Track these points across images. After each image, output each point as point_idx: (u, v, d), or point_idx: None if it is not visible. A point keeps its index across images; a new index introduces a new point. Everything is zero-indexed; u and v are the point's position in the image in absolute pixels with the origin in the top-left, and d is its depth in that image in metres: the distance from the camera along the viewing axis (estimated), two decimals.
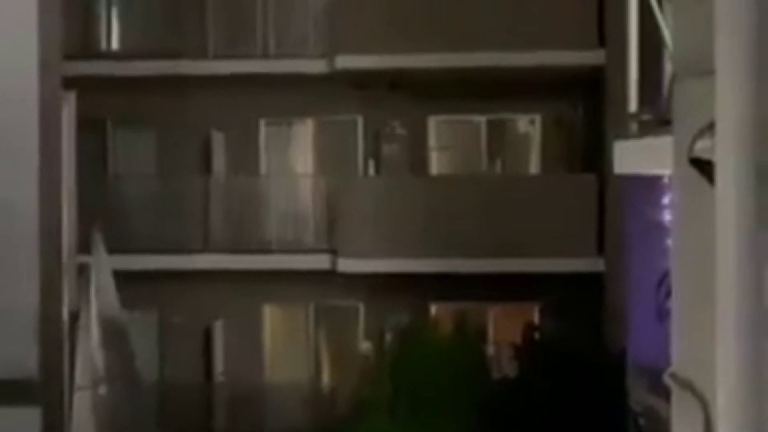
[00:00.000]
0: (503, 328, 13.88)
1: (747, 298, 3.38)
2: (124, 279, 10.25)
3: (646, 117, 7.00)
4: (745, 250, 3.34)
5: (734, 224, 3.34)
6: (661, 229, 10.30)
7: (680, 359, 4.38)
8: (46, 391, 5.31)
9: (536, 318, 14.08)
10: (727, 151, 3.44)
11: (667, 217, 10.19)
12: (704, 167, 3.73)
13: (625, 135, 7.65)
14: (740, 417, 3.37)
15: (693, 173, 4.03)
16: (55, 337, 5.63)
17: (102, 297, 4.54)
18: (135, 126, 14.77)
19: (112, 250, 10.77)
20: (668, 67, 7.58)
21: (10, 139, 6.54)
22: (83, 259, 8.57)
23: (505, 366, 13.49)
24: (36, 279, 6.02)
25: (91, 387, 3.64)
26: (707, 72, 3.77)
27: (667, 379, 4.49)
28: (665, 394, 7.81)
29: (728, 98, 3.39)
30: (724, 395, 3.41)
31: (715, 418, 3.68)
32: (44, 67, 6.60)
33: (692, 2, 4.01)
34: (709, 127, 3.71)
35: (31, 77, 6.48)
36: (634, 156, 6.91)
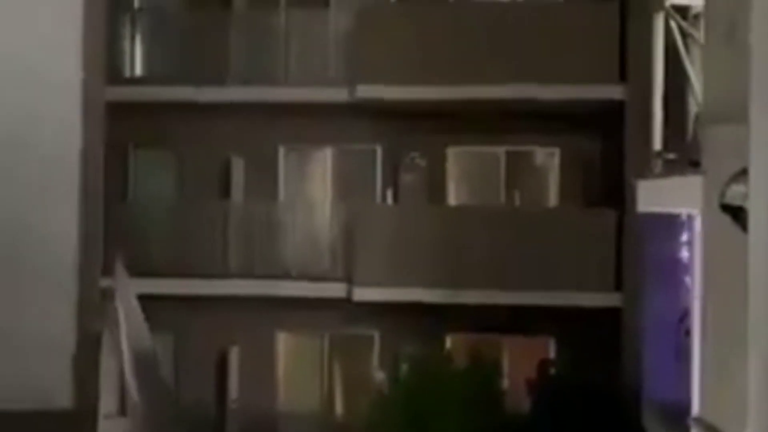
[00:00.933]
0: (519, 361, 13.82)
1: None
2: (140, 302, 10.29)
3: (670, 156, 7.01)
4: None
5: (766, 269, 3.35)
6: (678, 265, 10.27)
7: (705, 404, 4.38)
8: (80, 421, 5.30)
9: (552, 352, 14.02)
10: (760, 199, 3.44)
11: (684, 253, 10.17)
12: (736, 213, 3.75)
13: (647, 172, 7.66)
14: None
15: (723, 218, 4.03)
16: (91, 366, 5.64)
17: (130, 323, 4.55)
18: (156, 151, 14.85)
19: (130, 274, 10.82)
20: (691, 107, 7.60)
21: (52, 162, 6.58)
22: (104, 281, 8.59)
23: (519, 400, 13.42)
24: (72, 306, 6.03)
25: (120, 415, 3.64)
26: (739, 117, 3.79)
27: (692, 424, 4.48)
28: (682, 430, 7.75)
29: (762, 146, 3.40)
30: None
31: None
32: (89, 92, 6.65)
33: (724, 49, 4.02)
34: (741, 174, 3.72)
35: (75, 114, 6.54)
36: (657, 195, 6.92)
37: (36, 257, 6.22)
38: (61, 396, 5.52)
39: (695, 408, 4.72)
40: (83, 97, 6.38)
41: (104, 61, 6.51)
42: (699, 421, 4.26)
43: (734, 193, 3.76)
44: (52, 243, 6.21)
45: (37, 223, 6.26)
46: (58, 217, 6.21)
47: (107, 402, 4.16)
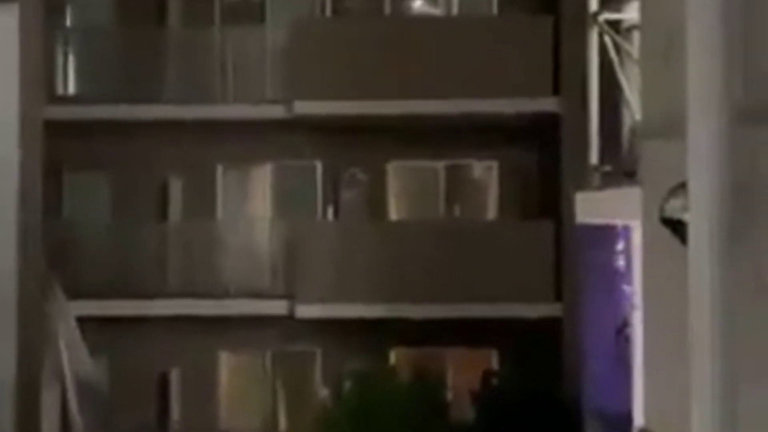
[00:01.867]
0: (462, 373, 13.88)
1: (721, 358, 3.43)
2: (78, 325, 10.10)
3: (607, 169, 7.11)
4: (719, 310, 3.40)
5: (708, 283, 3.41)
6: (616, 274, 10.42)
7: (650, 415, 4.44)
8: None
9: (495, 363, 14.11)
10: (698, 212, 3.51)
11: (621, 263, 10.33)
12: (675, 226, 3.81)
13: (584, 185, 7.77)
14: None
15: (662, 231, 4.10)
16: (31, 396, 5.50)
17: (71, 350, 4.43)
18: (91, 171, 14.63)
19: (66, 296, 10.63)
20: (626, 120, 7.74)
21: None
22: (44, 305, 8.43)
23: (463, 411, 13.48)
24: (13, 343, 5.88)
25: None
26: (676, 133, 3.86)
27: None
28: None
29: (700, 161, 3.47)
30: None
31: None
32: (27, 111, 6.52)
33: (661, 66, 4.10)
34: (680, 187, 3.79)
35: (12, 135, 6.41)
36: (595, 206, 7.02)
37: None
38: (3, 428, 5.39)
39: (638, 418, 4.79)
40: (20, 114, 6.26)
41: (42, 77, 6.42)
42: (645, 431, 4.32)
43: (673, 207, 3.83)
44: None
45: None
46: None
47: (50, 430, 4.06)
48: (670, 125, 3.98)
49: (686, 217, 3.63)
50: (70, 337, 4.43)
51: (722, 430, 3.55)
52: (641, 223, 4.36)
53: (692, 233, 3.48)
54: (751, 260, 3.56)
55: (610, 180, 6.77)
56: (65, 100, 14.26)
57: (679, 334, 3.80)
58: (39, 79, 6.75)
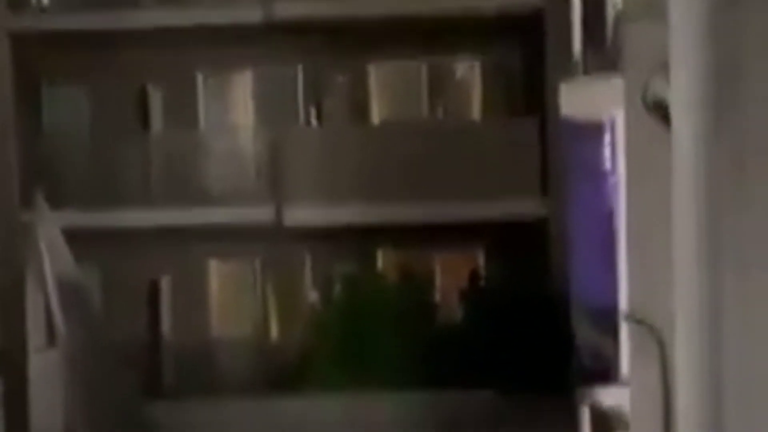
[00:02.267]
0: (450, 274, 13.99)
1: (704, 237, 3.43)
2: (64, 236, 10.10)
3: (592, 60, 7.04)
4: (703, 188, 3.39)
5: (691, 164, 3.38)
6: (603, 169, 10.41)
7: (634, 300, 4.46)
8: (7, 358, 5.19)
9: (482, 263, 14.21)
10: (681, 93, 3.47)
11: (607, 156, 10.31)
12: (658, 109, 3.77)
13: (568, 78, 7.71)
14: (697, 353, 3.45)
15: (645, 116, 4.06)
16: (14, 303, 5.50)
17: (55, 256, 4.44)
18: (70, 81, 14.44)
19: (51, 208, 10.59)
20: (610, 9, 7.63)
21: None
22: (24, 216, 8.38)
23: (452, 313, 13.62)
24: None
25: (48, 348, 3.56)
26: (658, 14, 3.79)
27: (623, 321, 4.57)
28: (611, 333, 7.96)
29: (681, 42, 3.41)
30: (683, 333, 3.48)
31: (671, 355, 3.76)
32: None
33: None
34: (662, 69, 3.73)
35: None
36: (580, 97, 6.96)
37: None
38: None
39: (623, 307, 4.84)
40: None
41: None
42: (629, 317, 4.35)
43: (656, 89, 3.78)
44: None
45: None
46: None
47: (35, 336, 4.08)
48: (652, 6, 3.91)
49: (669, 98, 3.59)
50: (52, 242, 4.42)
51: (707, 314, 3.57)
52: (624, 107, 4.31)
53: (675, 114, 3.44)
54: (733, 141, 3.53)
55: (595, 71, 6.73)
56: (39, 9, 13.98)
57: (662, 218, 3.79)
58: None
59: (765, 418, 3.62)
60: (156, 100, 14.55)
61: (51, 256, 4.24)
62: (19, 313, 5.36)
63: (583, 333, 11.33)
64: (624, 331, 5.55)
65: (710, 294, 3.53)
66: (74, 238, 10.92)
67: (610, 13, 7.01)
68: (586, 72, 7.29)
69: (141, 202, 14.00)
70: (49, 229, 4.61)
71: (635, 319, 4.34)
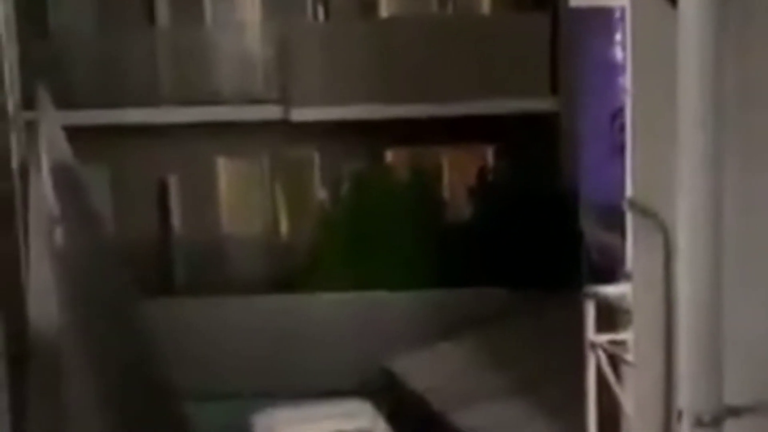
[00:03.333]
0: (459, 171, 13.94)
1: (710, 125, 3.37)
2: (72, 135, 10.03)
3: None
4: (709, 75, 3.30)
5: (697, 44, 3.30)
6: (613, 65, 10.25)
7: (638, 187, 4.42)
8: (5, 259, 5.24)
9: (490, 160, 14.14)
10: None
11: (619, 54, 10.14)
12: None
13: None
14: (701, 238, 3.42)
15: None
16: (6, 191, 5.50)
17: (52, 148, 4.41)
18: None
19: (58, 107, 10.50)
20: None
21: None
22: (29, 115, 8.35)
23: (461, 210, 13.63)
24: None
25: (46, 234, 3.58)
26: None
27: (625, 206, 4.53)
28: (619, 229, 7.94)
29: None
30: (685, 218, 3.44)
31: (674, 240, 3.73)
32: None
33: None
34: None
35: None
36: None
37: None
38: None
39: (628, 192, 4.81)
40: None
41: None
42: (631, 203, 4.31)
43: None
44: None
45: None
46: None
47: (35, 224, 4.08)
48: None
49: None
50: (52, 138, 4.39)
51: (710, 204, 3.52)
52: None
53: None
54: (738, 22, 3.44)
55: None
56: None
57: (668, 106, 3.71)
58: None
59: (762, 301, 3.61)
60: None
61: (50, 151, 4.21)
62: (9, 200, 5.40)
63: (591, 229, 11.32)
64: (629, 221, 5.52)
65: (713, 183, 3.48)
66: (81, 136, 10.85)
67: None
68: None
69: (148, 99, 13.90)
70: (50, 126, 4.57)
71: (639, 208, 4.31)
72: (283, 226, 14.78)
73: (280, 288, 13.58)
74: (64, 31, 14.22)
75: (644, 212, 4.20)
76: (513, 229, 12.46)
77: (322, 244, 13.66)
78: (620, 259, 8.28)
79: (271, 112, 13.86)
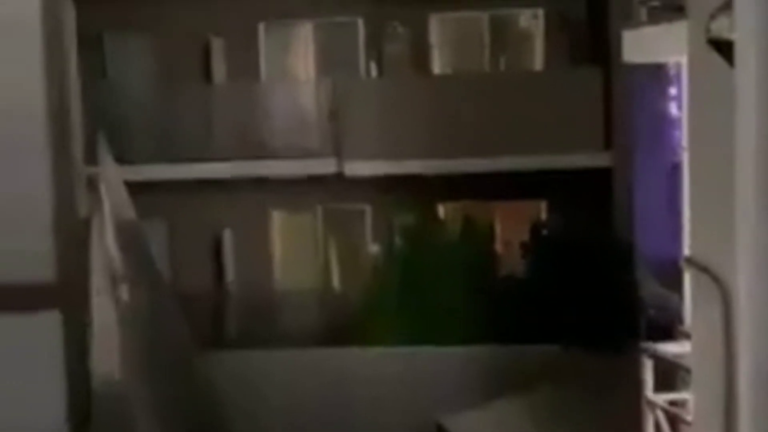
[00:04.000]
0: (511, 226, 13.89)
1: (765, 180, 3.33)
2: (129, 189, 10.22)
3: (655, 3, 6.88)
4: (766, 126, 3.28)
5: (754, 101, 3.28)
6: (668, 120, 10.21)
7: (696, 245, 4.36)
8: (66, 293, 5.31)
9: (544, 215, 14.08)
10: (746, 27, 3.35)
11: (674, 108, 10.09)
12: (722, 47, 3.65)
13: (631, 24, 7.54)
14: (761, 296, 3.36)
15: (709, 56, 3.93)
16: (71, 237, 5.60)
17: (115, 204, 4.52)
18: (132, 36, 14.55)
19: (117, 162, 10.71)
20: None
21: (14, 45, 6.41)
22: (91, 170, 8.54)
23: (513, 264, 13.54)
24: (50, 179, 5.96)
25: (110, 290, 3.64)
26: None
27: (683, 264, 4.47)
28: (676, 285, 7.81)
29: None
30: (745, 276, 3.39)
31: (733, 297, 3.67)
32: None
33: None
34: (725, 7, 3.61)
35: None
36: (643, 44, 6.81)
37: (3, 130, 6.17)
38: (44, 270, 5.53)
39: (686, 250, 4.74)
40: None
41: None
42: (690, 261, 4.25)
43: (720, 26, 3.65)
44: (22, 117, 6.13)
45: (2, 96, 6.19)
46: (25, 93, 6.09)
47: (99, 278, 4.16)
48: None
49: (733, 36, 3.46)
50: (113, 191, 4.49)
51: (765, 259, 3.47)
52: (687, 49, 4.18)
53: (739, 50, 3.33)
54: None
55: (659, 15, 6.56)
56: None
57: (724, 159, 3.68)
58: None
59: None
60: (218, 50, 14.60)
61: (112, 204, 4.31)
62: (75, 248, 5.49)
63: (648, 286, 11.18)
64: (687, 280, 5.45)
65: None
66: (139, 191, 11.06)
67: None
68: (649, 16, 7.12)
69: (204, 154, 14.11)
70: (112, 179, 4.69)
71: (698, 266, 4.25)
72: (335, 280, 14.81)
73: (332, 342, 13.56)
74: (123, 87, 14.52)
75: (703, 270, 4.15)
76: (567, 286, 12.34)
77: (374, 298, 13.64)
78: (678, 315, 8.15)
79: (325, 166, 13.99)
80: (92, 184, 7.78)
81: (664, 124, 10.42)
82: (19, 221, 5.72)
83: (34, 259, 5.27)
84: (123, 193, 4.63)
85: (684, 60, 5.75)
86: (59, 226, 5.33)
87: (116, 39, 14.61)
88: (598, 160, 13.30)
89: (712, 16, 3.70)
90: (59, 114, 6.33)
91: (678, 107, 9.88)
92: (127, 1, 14.09)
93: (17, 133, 6.11)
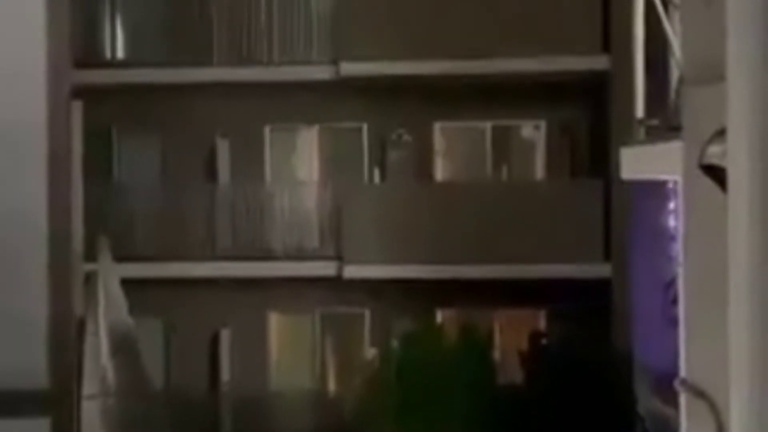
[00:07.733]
0: (510, 334, 13.85)
1: (760, 305, 3.35)
2: (129, 287, 10.24)
3: (653, 123, 7.01)
4: (758, 256, 3.31)
5: (746, 231, 3.32)
6: (667, 234, 10.28)
7: (690, 366, 4.36)
8: (56, 401, 5.28)
9: (543, 324, 14.05)
10: (739, 158, 3.42)
11: (672, 222, 10.17)
12: (716, 173, 3.72)
13: (631, 140, 7.66)
14: (755, 424, 3.35)
15: (703, 180, 4.01)
16: (65, 345, 5.61)
17: (110, 305, 4.52)
18: (140, 133, 14.78)
19: (117, 258, 10.77)
20: (674, 73, 7.60)
21: (18, 145, 6.53)
22: (89, 266, 8.58)
23: (511, 373, 13.46)
24: (45, 287, 6.00)
25: (100, 396, 3.62)
26: (717, 78, 3.76)
27: (678, 386, 4.47)
28: (673, 400, 7.77)
29: (740, 104, 3.37)
30: (738, 401, 3.39)
31: (727, 424, 3.66)
32: (54, 73, 6.59)
33: (701, 8, 3.99)
34: (720, 134, 3.69)
35: (39, 84, 6.47)
36: (640, 161, 6.91)
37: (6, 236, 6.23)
38: (36, 377, 5.52)
39: (681, 371, 4.74)
40: (48, 81, 6.32)
41: (67, 37, 6.41)
42: (684, 383, 4.25)
43: (713, 153, 3.74)
44: (20, 221, 6.19)
45: (2, 199, 6.26)
46: (26, 196, 6.17)
47: (89, 384, 4.14)
48: (710, 70, 3.88)
49: (726, 162, 3.54)
50: (110, 292, 4.50)
51: (761, 378, 3.47)
52: (682, 172, 4.26)
53: (731, 180, 3.39)
54: None
55: (656, 134, 6.68)
56: (113, 64, 14.38)
57: (718, 282, 3.72)
58: (67, 39, 6.78)
59: None
60: (224, 151, 14.80)
61: (107, 305, 4.32)
62: (69, 357, 5.49)
63: (646, 399, 11.09)
64: (682, 399, 5.43)
65: (764, 362, 3.44)
66: (137, 288, 11.09)
67: (675, 76, 6.99)
68: (648, 136, 7.24)
69: (205, 253, 14.17)
70: (109, 279, 4.71)
71: (690, 388, 4.25)
72: (332, 383, 14.69)
73: None
74: (128, 184, 14.67)
75: (696, 393, 4.14)
76: (565, 397, 12.25)
77: (370, 402, 13.52)
78: (675, 429, 8.07)
79: (324, 268, 14.03)
80: (89, 281, 7.82)
81: (662, 237, 10.49)
82: (13, 330, 5.73)
83: (26, 366, 5.26)
84: (119, 293, 4.65)
85: (679, 177, 5.85)
86: (54, 334, 5.34)
87: (124, 136, 14.83)
88: (598, 270, 13.34)
89: (706, 144, 3.78)
90: (60, 219, 6.41)
91: (676, 220, 9.96)
92: (135, 101, 14.35)
93: (15, 249, 6.16)
